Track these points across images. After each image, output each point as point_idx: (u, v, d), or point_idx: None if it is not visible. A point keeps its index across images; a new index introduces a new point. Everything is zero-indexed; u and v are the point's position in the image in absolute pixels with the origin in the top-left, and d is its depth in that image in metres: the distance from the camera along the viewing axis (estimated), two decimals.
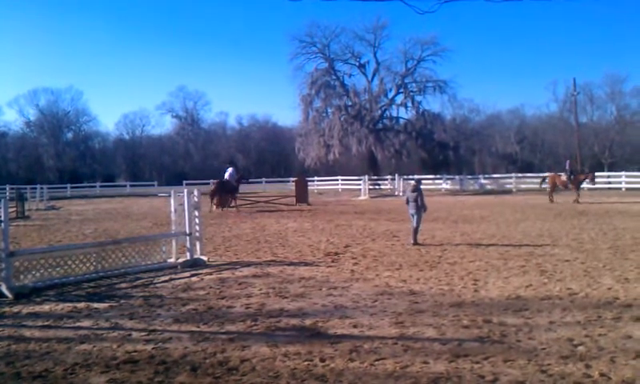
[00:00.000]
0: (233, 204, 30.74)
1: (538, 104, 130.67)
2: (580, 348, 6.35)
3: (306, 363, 6.10)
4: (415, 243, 15.01)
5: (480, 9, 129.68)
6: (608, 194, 37.68)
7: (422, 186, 16.15)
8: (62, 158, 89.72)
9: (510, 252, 13.51)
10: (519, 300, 8.71)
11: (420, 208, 15.26)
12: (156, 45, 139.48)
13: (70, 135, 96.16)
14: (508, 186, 49.52)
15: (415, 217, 15.23)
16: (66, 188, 64.41)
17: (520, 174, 54.78)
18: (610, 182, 45.48)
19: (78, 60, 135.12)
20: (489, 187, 50.17)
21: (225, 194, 30.90)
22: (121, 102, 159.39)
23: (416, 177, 22.58)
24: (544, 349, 6.34)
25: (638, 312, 7.79)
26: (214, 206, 29.99)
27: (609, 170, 60.47)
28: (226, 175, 31.59)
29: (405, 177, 48.73)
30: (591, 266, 11.37)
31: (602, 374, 5.56)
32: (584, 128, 67.73)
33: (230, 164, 35.08)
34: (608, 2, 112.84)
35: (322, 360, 6.18)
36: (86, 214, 31.19)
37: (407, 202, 15.65)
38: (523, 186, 47.84)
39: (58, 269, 11.16)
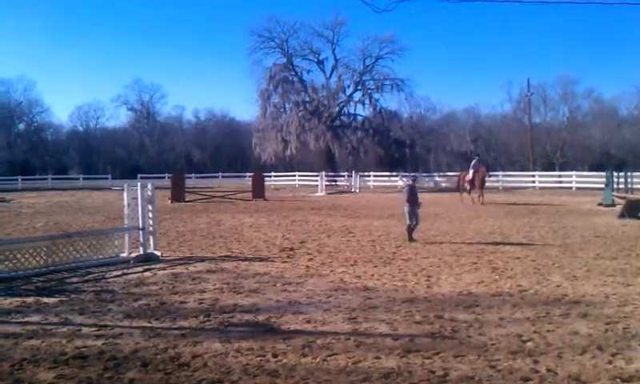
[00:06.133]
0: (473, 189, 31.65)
1: (493, 103, 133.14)
2: (528, 344, 6.46)
3: (258, 359, 6.07)
4: (411, 240, 14.87)
5: (437, 8, 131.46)
6: (559, 193, 38.52)
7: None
8: (13, 149, 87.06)
9: (463, 249, 13.69)
10: (470, 296, 8.83)
11: (414, 205, 15.15)
12: (112, 36, 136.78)
13: (21, 126, 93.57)
14: None
15: (410, 214, 15.08)
16: (17, 180, 62.89)
17: None
18: (561, 182, 46.52)
19: (31, 49, 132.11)
20: (443, 185, 50.75)
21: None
22: (75, 93, 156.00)
23: (412, 174, 22.38)
24: (493, 344, 6.44)
25: (585, 309, 7.96)
26: (467, 194, 31.06)
27: (560, 170, 61.80)
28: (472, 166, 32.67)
29: (361, 173, 49.07)
30: (541, 264, 11.58)
31: (549, 370, 5.65)
32: (537, 128, 68.99)
33: (476, 156, 35.24)
34: (561, 6, 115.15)
35: (275, 355, 6.16)
36: (38, 207, 30.49)
37: (406, 200, 15.39)
38: None
39: (6, 263, 10.85)
